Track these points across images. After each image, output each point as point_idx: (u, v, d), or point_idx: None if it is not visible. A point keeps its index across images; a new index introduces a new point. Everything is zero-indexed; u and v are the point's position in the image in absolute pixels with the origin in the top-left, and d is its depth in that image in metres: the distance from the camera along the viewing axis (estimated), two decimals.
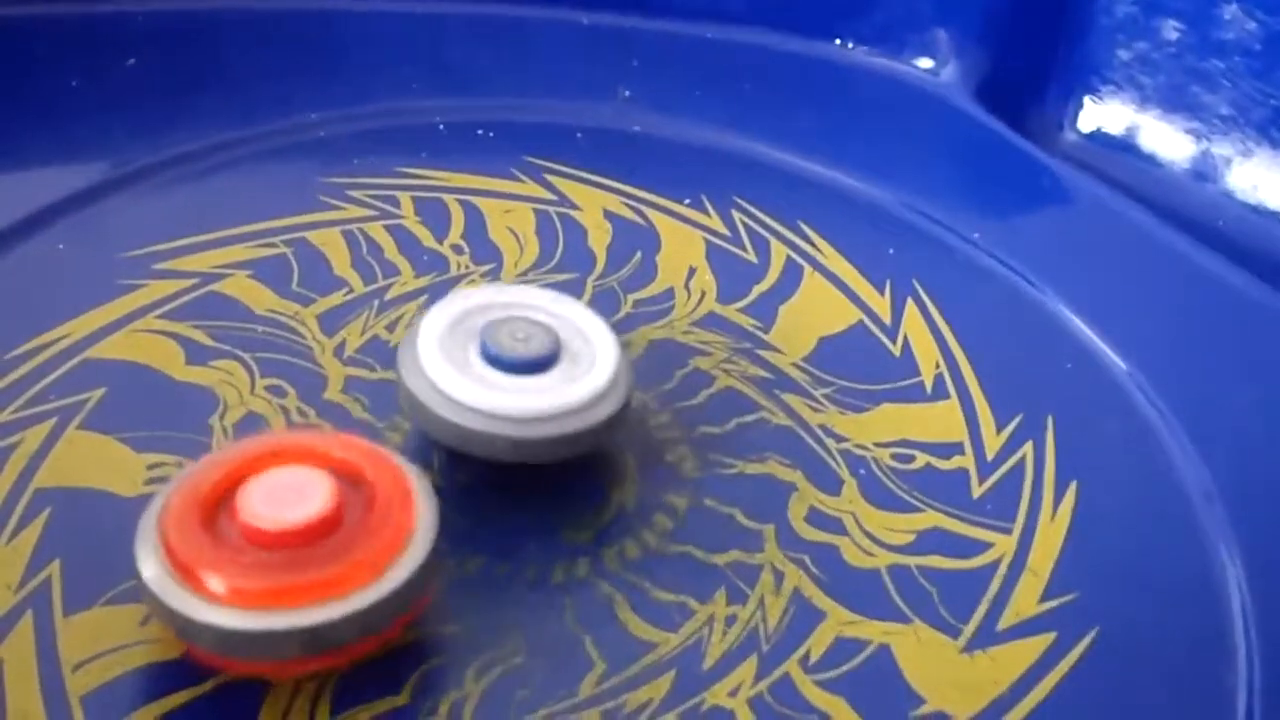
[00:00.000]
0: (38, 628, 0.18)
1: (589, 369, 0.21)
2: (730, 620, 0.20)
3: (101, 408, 0.22)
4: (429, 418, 0.20)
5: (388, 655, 0.19)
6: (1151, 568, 0.21)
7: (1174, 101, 0.30)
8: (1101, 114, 0.31)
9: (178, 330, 0.23)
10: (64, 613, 0.18)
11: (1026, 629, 0.20)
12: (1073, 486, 0.22)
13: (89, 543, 0.19)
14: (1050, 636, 0.20)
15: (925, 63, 0.32)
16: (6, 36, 0.29)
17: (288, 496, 0.18)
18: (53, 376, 0.22)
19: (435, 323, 0.21)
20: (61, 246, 0.25)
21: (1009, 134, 0.30)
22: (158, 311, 0.24)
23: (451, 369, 0.20)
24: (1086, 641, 0.20)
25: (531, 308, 0.22)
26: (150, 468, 0.21)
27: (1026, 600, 0.20)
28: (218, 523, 0.18)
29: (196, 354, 0.23)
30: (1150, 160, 0.30)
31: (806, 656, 0.19)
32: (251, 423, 0.22)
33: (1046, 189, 0.29)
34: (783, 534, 0.21)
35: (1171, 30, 0.30)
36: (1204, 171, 0.29)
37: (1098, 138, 0.31)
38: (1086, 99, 0.31)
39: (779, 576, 0.20)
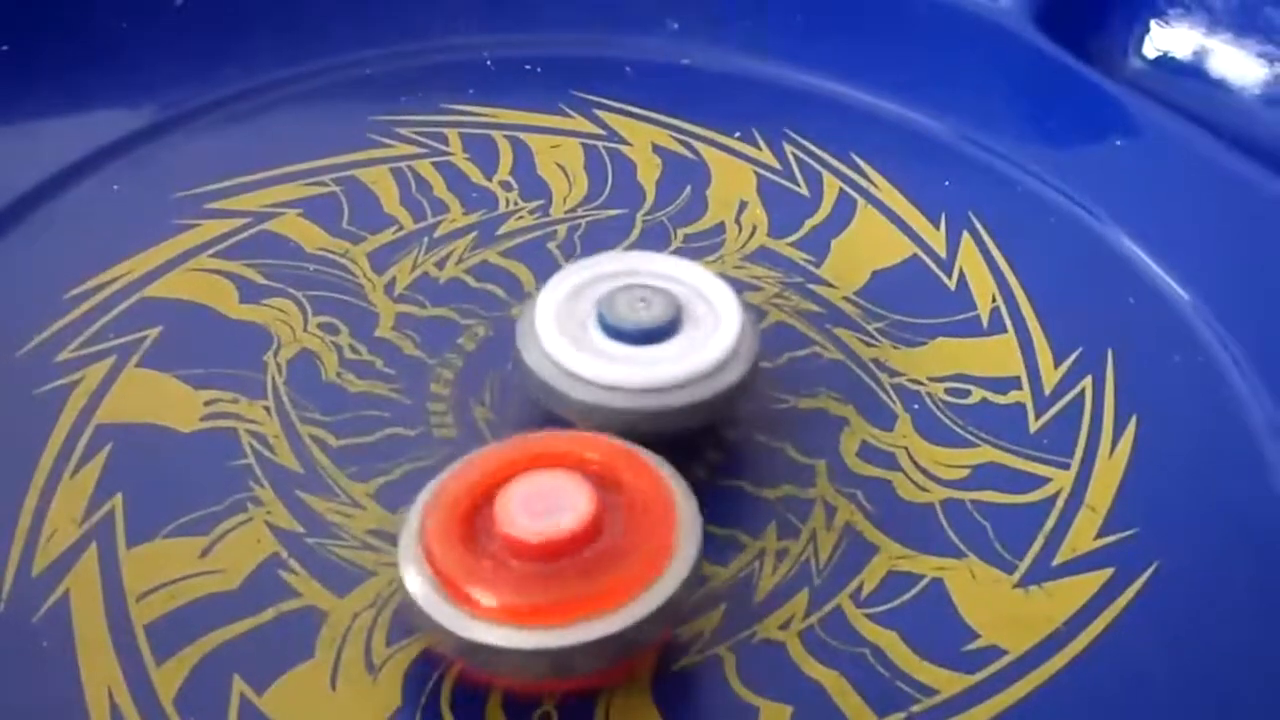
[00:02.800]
0: (102, 559, 0.19)
1: (713, 331, 0.20)
2: (781, 554, 0.20)
3: (158, 345, 0.22)
4: (557, 397, 0.20)
5: None
6: (1213, 505, 0.21)
7: (1245, 24, 0.29)
8: (1168, 38, 0.30)
9: (231, 269, 0.23)
10: (127, 545, 0.19)
11: (1083, 564, 0.20)
12: (1133, 421, 0.22)
13: (149, 477, 0.20)
14: (1108, 572, 0.20)
15: None
16: None
17: (546, 504, 0.17)
18: (110, 315, 0.22)
19: (551, 298, 0.20)
20: (116, 187, 0.25)
21: (1070, 61, 0.29)
22: (211, 250, 0.24)
23: (573, 347, 0.20)
24: (1145, 578, 0.20)
25: (647, 274, 0.21)
26: (207, 404, 0.21)
27: (1083, 536, 0.20)
28: (476, 535, 0.17)
29: (250, 292, 0.23)
30: (1219, 86, 0.29)
31: (859, 590, 0.19)
32: (305, 360, 0.22)
33: (1109, 118, 0.28)
34: (835, 469, 0.21)
35: None
36: (1276, 97, 0.28)
37: (1164, 63, 0.30)
38: (1152, 23, 0.30)
39: (831, 511, 0.20)
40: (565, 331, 0.20)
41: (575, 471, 0.17)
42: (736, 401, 0.20)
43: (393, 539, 0.19)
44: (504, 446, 0.18)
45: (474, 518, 0.17)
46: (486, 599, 0.16)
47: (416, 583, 0.17)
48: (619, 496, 0.17)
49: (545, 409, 0.20)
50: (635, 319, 0.20)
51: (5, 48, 0.27)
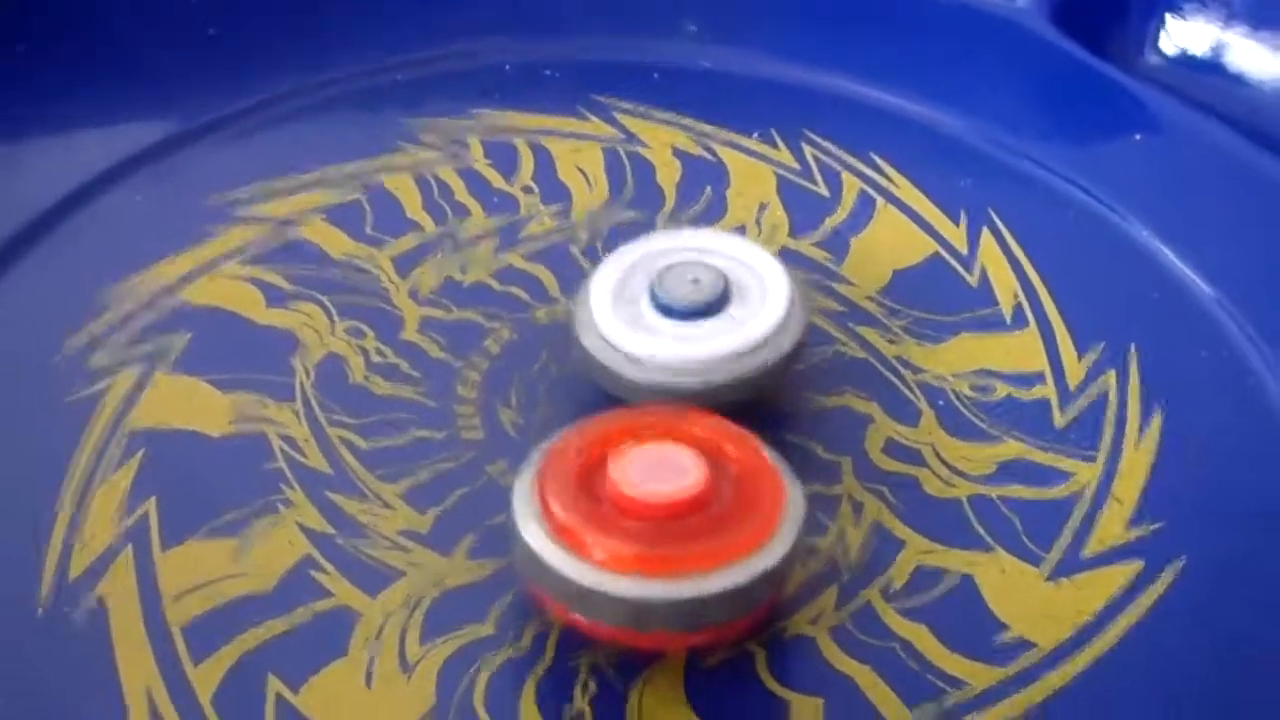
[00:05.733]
0: (138, 562, 0.19)
1: (762, 302, 0.21)
2: (810, 551, 0.20)
3: (188, 351, 0.22)
4: (611, 377, 0.20)
5: (472, 585, 0.19)
6: (1241, 497, 0.21)
7: (1261, 17, 0.29)
8: (1185, 33, 0.30)
9: (257, 275, 0.24)
10: (162, 548, 0.19)
11: (1112, 557, 0.20)
12: (1158, 415, 0.22)
13: (181, 481, 0.20)
14: (1137, 565, 0.20)
15: None
16: None
17: (662, 472, 0.17)
18: (139, 323, 0.23)
19: (605, 280, 0.21)
20: (142, 197, 0.25)
21: (1088, 57, 0.29)
22: (237, 257, 0.24)
23: (627, 325, 0.20)
24: (1174, 570, 0.20)
25: (694, 250, 0.22)
26: (236, 408, 0.21)
27: (1111, 529, 0.20)
28: (594, 495, 0.18)
29: (276, 297, 0.23)
30: (1237, 80, 0.29)
31: (888, 585, 0.19)
32: (332, 363, 0.22)
33: (1128, 113, 0.28)
34: (860, 465, 0.21)
35: None
36: None
37: (1181, 59, 0.30)
38: (1168, 18, 0.30)
39: (858, 507, 0.20)
40: (619, 312, 0.21)
41: (684, 443, 0.18)
42: (786, 369, 0.21)
43: (422, 539, 0.20)
44: (612, 417, 0.19)
45: (588, 479, 0.18)
46: (601, 550, 0.17)
47: (536, 536, 0.17)
48: (727, 468, 0.18)
49: (594, 390, 0.20)
50: (687, 296, 0.20)
51: (20, 48, 0.27)
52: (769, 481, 0.18)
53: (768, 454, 0.18)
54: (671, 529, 0.17)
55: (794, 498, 0.18)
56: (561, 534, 0.17)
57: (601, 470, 0.18)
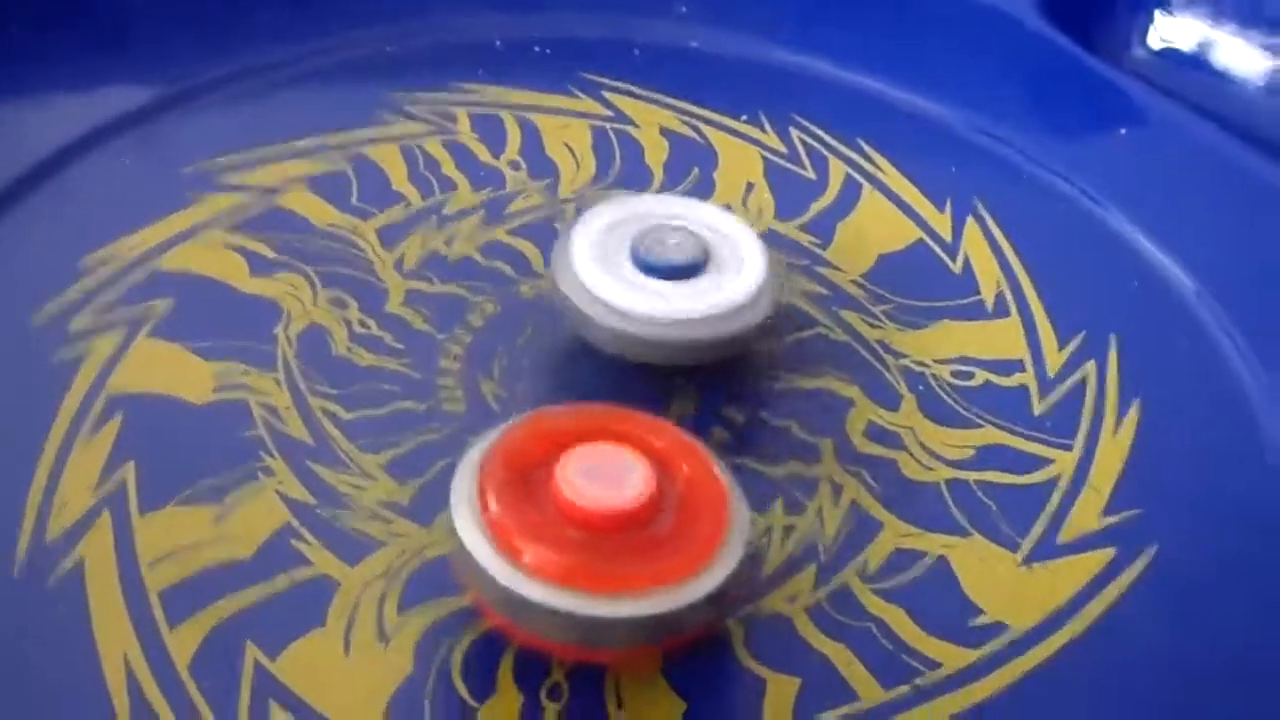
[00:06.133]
0: (115, 526, 0.19)
1: (738, 272, 0.21)
2: (788, 530, 0.20)
3: (170, 317, 0.22)
4: (587, 323, 0.21)
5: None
6: (1214, 487, 0.21)
7: (1249, 15, 0.29)
8: (1172, 29, 0.30)
9: (241, 243, 0.24)
10: (140, 512, 0.19)
11: (1086, 544, 0.20)
12: (1136, 405, 0.22)
13: (161, 446, 0.20)
14: (1110, 552, 0.20)
15: None
16: None
17: (607, 477, 0.17)
18: (122, 286, 0.22)
19: (587, 231, 0.21)
20: (128, 161, 0.25)
21: (1075, 50, 0.29)
22: (222, 224, 0.24)
23: (608, 276, 0.21)
24: (1147, 558, 0.20)
25: (680, 216, 0.22)
26: (218, 375, 0.21)
27: (1087, 516, 0.20)
28: (535, 495, 0.17)
29: (260, 266, 0.23)
30: (1222, 77, 0.29)
31: (864, 567, 0.19)
32: (315, 334, 0.22)
33: (1113, 106, 0.28)
34: (841, 448, 0.21)
35: None
36: (1278, 87, 0.29)
37: (1168, 54, 0.30)
38: (1157, 14, 0.30)
39: (837, 489, 0.20)
40: (600, 262, 0.21)
41: (638, 450, 0.17)
42: (761, 331, 0.21)
43: (402, 510, 0.20)
44: (568, 412, 0.18)
45: (530, 477, 0.17)
46: (531, 555, 0.16)
47: (469, 530, 0.17)
48: (674, 485, 0.17)
49: (575, 365, 0.21)
50: (667, 256, 0.21)
51: (14, 28, 0.26)
52: (715, 501, 0.17)
53: (719, 472, 0.18)
54: (609, 542, 0.16)
55: (739, 523, 0.17)
56: (494, 531, 0.17)
57: (547, 468, 0.17)
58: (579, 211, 0.23)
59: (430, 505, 0.20)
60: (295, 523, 0.19)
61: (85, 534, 0.19)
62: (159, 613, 0.18)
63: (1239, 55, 0.29)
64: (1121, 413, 0.22)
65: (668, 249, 0.21)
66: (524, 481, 0.17)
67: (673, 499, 0.17)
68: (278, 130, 0.26)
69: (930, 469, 0.21)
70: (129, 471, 0.19)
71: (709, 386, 0.22)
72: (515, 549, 0.16)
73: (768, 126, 0.28)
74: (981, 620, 0.19)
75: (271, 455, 0.20)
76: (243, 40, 0.27)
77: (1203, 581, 0.20)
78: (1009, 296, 0.24)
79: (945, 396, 0.22)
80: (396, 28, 0.29)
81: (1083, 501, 0.21)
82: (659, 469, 0.17)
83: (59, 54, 0.27)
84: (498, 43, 0.29)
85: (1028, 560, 0.20)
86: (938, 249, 0.25)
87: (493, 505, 0.17)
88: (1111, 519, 0.20)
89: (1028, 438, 0.22)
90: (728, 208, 0.25)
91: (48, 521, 0.19)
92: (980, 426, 0.22)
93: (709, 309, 0.20)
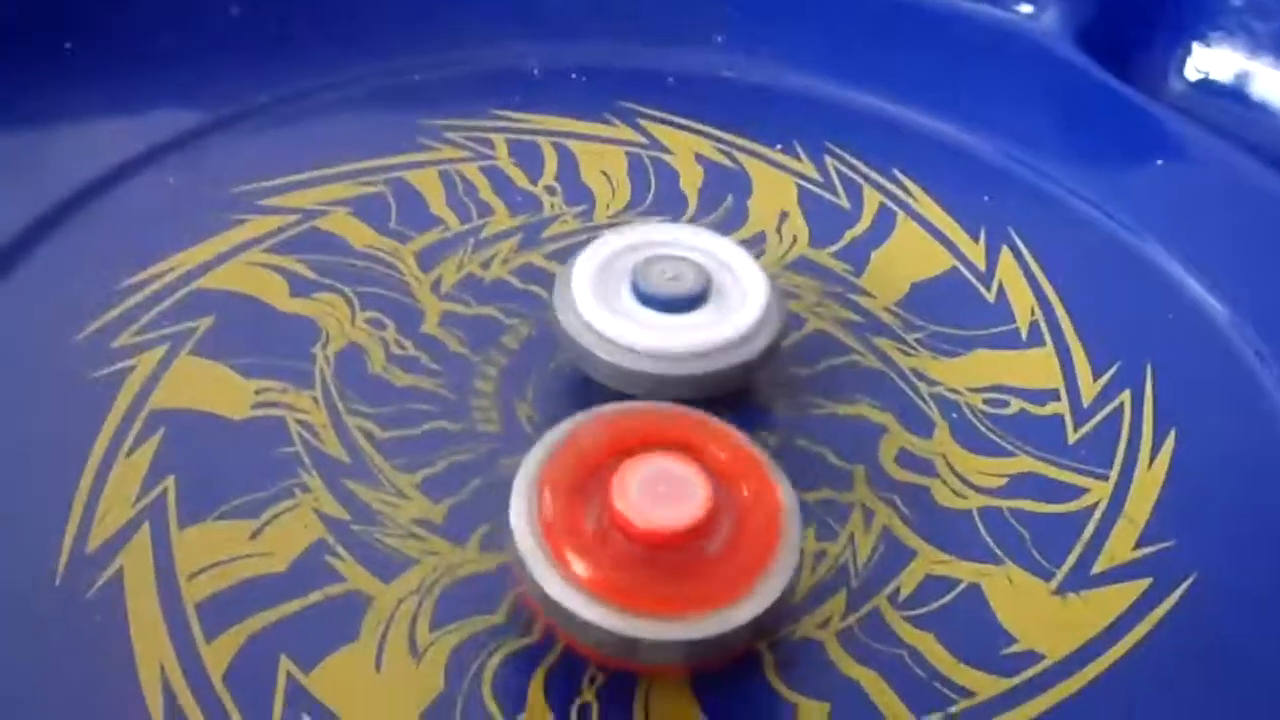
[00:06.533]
0: (154, 538, 0.19)
1: (741, 304, 0.21)
2: (820, 556, 0.20)
3: (211, 335, 0.22)
4: (587, 357, 0.20)
5: (484, 575, 0.19)
6: (1251, 518, 0.21)
7: None
8: (1210, 60, 0.30)
9: (282, 263, 0.24)
10: (179, 526, 0.19)
11: (1121, 574, 0.20)
12: (1172, 434, 0.22)
13: (200, 461, 0.20)
14: (1146, 582, 0.20)
15: (1025, 8, 0.31)
16: None
17: (666, 494, 0.17)
18: (164, 305, 0.23)
19: (587, 265, 0.21)
20: (172, 181, 0.26)
21: (1112, 81, 0.29)
22: (263, 245, 0.24)
23: (607, 310, 0.21)
24: (1183, 588, 0.20)
25: (680, 246, 0.22)
26: (258, 393, 0.21)
27: (1122, 545, 0.20)
28: (592, 500, 0.17)
29: (300, 286, 0.23)
30: (1261, 109, 0.29)
31: (896, 593, 0.19)
32: (353, 353, 0.22)
33: (1150, 137, 0.28)
34: (873, 474, 0.21)
35: None
36: None
37: (1205, 86, 0.30)
38: (1194, 45, 0.30)
39: (869, 515, 0.20)
40: (600, 297, 0.21)
41: (699, 464, 0.17)
42: (763, 366, 0.21)
43: (435, 529, 0.20)
44: (638, 411, 0.18)
45: (592, 479, 0.17)
46: (577, 565, 0.16)
47: (523, 529, 0.17)
48: (733, 502, 0.17)
49: (608, 388, 0.20)
50: (667, 288, 0.21)
51: (69, 45, 0.27)
52: (769, 524, 0.17)
53: (781, 494, 0.18)
54: (658, 560, 0.16)
55: (790, 542, 0.17)
56: (546, 534, 0.17)
57: (609, 470, 0.17)
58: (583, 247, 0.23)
59: (463, 524, 0.20)
60: (330, 539, 0.19)
61: (125, 546, 0.19)
62: (195, 624, 0.18)
63: (1276, 87, 0.29)
64: (1157, 442, 0.22)
65: (667, 281, 0.21)
66: (583, 484, 0.17)
67: (730, 517, 0.17)
68: (319, 154, 0.26)
69: (963, 496, 0.21)
70: (169, 485, 0.20)
71: (743, 411, 0.22)
72: (563, 557, 0.17)
73: (802, 154, 0.28)
74: (1015, 649, 0.19)
75: (308, 472, 0.20)
76: (287, 67, 0.28)
77: (1239, 612, 0.20)
78: (1043, 325, 0.24)
79: (979, 424, 0.22)
80: (436, 56, 0.29)
81: (1118, 531, 0.20)
82: (719, 484, 0.17)
83: (108, 79, 0.27)
84: (535, 71, 0.29)
85: (1062, 589, 0.20)
86: (971, 277, 0.25)
87: (548, 507, 0.17)
88: (1147, 549, 0.20)
89: (1062, 467, 0.21)
90: (761, 237, 0.25)
91: (89, 533, 0.19)
92: (1014, 455, 0.22)
93: (706, 343, 0.20)
